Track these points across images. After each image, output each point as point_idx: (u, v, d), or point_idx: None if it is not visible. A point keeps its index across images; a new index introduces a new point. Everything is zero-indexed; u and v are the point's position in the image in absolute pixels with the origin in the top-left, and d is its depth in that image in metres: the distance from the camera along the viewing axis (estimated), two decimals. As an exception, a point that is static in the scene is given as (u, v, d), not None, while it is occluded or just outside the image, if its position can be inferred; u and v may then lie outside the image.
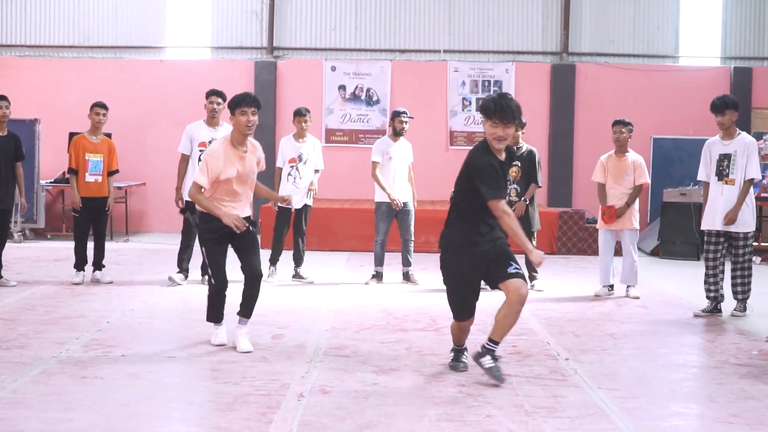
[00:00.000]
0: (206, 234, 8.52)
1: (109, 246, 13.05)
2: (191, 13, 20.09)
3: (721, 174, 10.77)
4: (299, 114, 12.87)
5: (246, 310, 8.62)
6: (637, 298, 11.85)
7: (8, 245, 12.74)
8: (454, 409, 6.63)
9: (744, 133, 10.82)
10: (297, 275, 12.94)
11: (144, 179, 19.12)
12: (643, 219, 12.10)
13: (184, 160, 12.35)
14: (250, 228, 8.48)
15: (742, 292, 10.80)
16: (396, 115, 12.92)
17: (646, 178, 12.10)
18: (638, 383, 7.52)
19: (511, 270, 7.44)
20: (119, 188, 17.74)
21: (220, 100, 12.17)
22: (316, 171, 13.10)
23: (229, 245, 8.58)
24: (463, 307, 7.82)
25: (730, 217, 10.55)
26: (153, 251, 15.92)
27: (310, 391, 7.05)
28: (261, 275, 8.57)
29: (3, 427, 6.04)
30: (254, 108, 8.36)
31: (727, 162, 10.72)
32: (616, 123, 12.09)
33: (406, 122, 12.80)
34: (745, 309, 10.79)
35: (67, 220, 18.32)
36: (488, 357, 7.47)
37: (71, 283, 12.18)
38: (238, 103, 8.33)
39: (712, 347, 9.05)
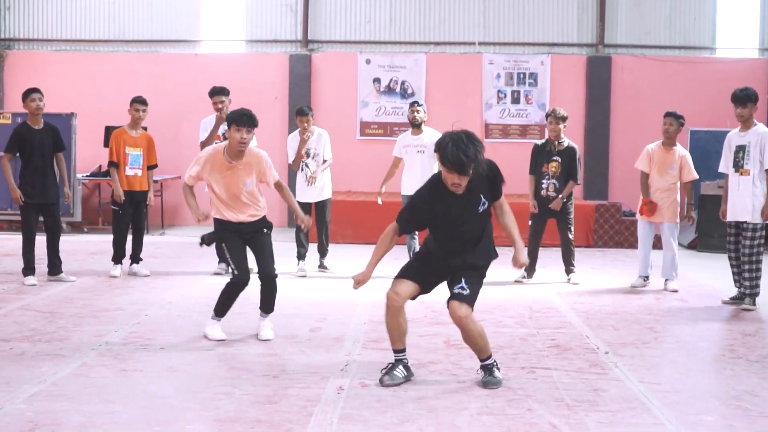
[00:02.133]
0: (222, 232, 8.68)
1: (145, 239, 13.08)
2: (226, 7, 20.10)
3: (738, 165, 10.76)
4: (301, 113, 12.93)
5: (266, 306, 8.81)
6: (676, 291, 11.76)
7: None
8: (494, 403, 6.60)
9: (760, 124, 10.80)
10: (321, 266, 13.09)
11: (179, 172, 19.15)
12: (680, 212, 11.98)
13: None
14: (264, 230, 8.73)
15: (751, 287, 10.66)
16: (409, 105, 12.97)
17: (694, 174, 11.93)
18: (680, 377, 7.46)
19: (455, 290, 7.17)
20: (155, 182, 17.81)
21: (223, 98, 12.58)
22: (325, 161, 13.12)
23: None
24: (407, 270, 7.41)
25: (766, 213, 10.50)
26: (189, 244, 15.96)
27: (350, 384, 7.04)
28: (273, 276, 8.69)
29: (44, 419, 6.06)
30: (249, 127, 8.45)
31: (743, 153, 10.70)
32: (668, 115, 11.94)
33: (418, 111, 12.74)
34: (754, 304, 10.63)
35: (103, 214, 18.41)
36: (484, 372, 7.17)
37: (109, 276, 12.23)
38: (235, 121, 8.46)
39: (753, 341, 8.95)
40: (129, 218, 12.50)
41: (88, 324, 9.17)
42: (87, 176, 18.37)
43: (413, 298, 7.34)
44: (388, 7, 19.77)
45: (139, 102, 12.41)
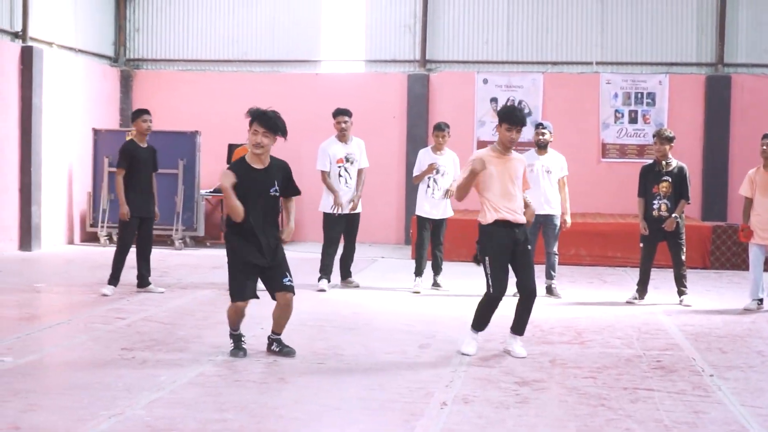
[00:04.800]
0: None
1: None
2: (346, 28, 20.51)
3: None
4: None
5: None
6: (786, 314, 11.66)
7: (169, 252, 13.29)
8: (594, 422, 6.71)
9: None
10: (435, 284, 13.26)
11: (300, 189, 19.57)
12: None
13: (326, 176, 13.06)
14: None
15: None
16: (534, 127, 13.12)
17: None
18: (784, 402, 7.45)
19: (285, 282, 8.50)
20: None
21: (347, 119, 12.94)
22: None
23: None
24: (240, 288, 8.51)
25: None
26: (307, 260, 16.28)
27: (453, 399, 7.23)
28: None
29: (162, 425, 6.40)
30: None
31: None
32: (765, 136, 11.89)
33: (543, 134, 12.81)
34: None
35: (225, 228, 18.91)
36: (274, 344, 8.75)
37: (227, 289, 12.60)
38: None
39: None
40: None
41: (206, 336, 9.55)
42: (210, 192, 18.94)
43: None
44: (505, 27, 19.92)
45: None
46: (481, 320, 9.01)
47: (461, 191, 9.06)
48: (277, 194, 8.57)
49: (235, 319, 8.68)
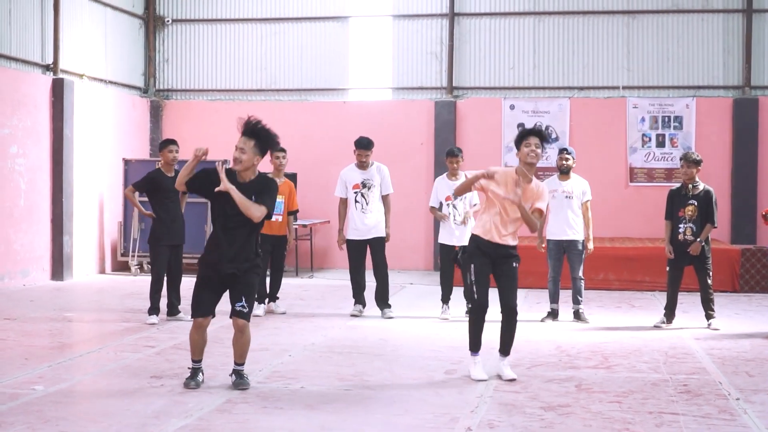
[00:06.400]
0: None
1: (293, 282, 13.64)
2: (373, 56, 20.67)
3: None
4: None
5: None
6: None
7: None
8: (618, 446, 6.73)
9: None
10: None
11: (328, 217, 19.71)
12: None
13: (343, 203, 13.20)
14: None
15: None
16: (558, 152, 13.18)
17: None
18: (810, 425, 7.44)
19: (237, 307, 8.31)
20: (304, 226, 18.42)
21: (367, 152, 13.00)
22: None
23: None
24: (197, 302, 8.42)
25: None
26: (335, 287, 16.41)
27: (479, 424, 7.26)
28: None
29: (189, 452, 6.49)
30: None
31: None
32: None
33: (567, 159, 12.86)
34: None
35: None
36: (234, 377, 8.50)
37: (252, 315, 12.70)
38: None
39: None
40: (268, 260, 12.94)
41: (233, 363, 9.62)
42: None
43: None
44: (531, 53, 20.01)
45: (279, 150, 12.88)
46: (473, 340, 9.10)
47: (461, 190, 9.34)
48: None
49: (195, 340, 8.50)
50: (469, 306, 9.79)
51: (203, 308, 8.38)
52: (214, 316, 8.49)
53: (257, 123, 8.21)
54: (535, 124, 19.43)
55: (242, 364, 8.53)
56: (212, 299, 8.40)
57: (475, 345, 9.09)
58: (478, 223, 9.10)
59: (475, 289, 8.97)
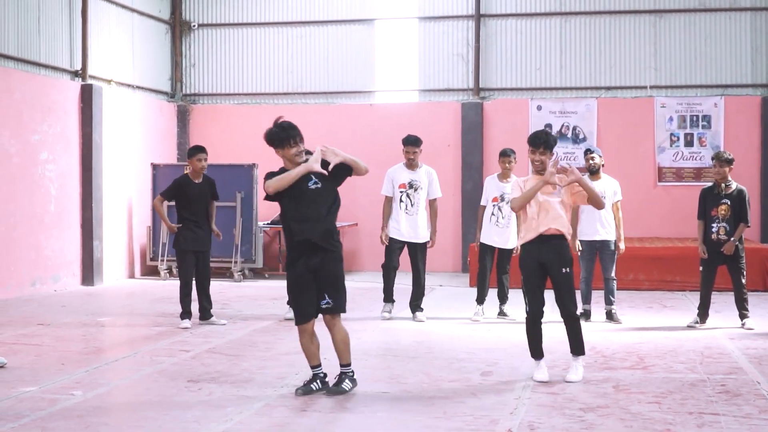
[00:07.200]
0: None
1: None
2: (399, 58, 20.68)
3: None
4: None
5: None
6: None
7: (229, 285, 13.45)
8: (660, 447, 6.70)
9: None
10: (501, 313, 13.08)
11: (356, 219, 19.74)
12: None
13: (388, 201, 13.00)
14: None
15: None
16: (584, 154, 13.09)
17: None
18: None
19: (323, 305, 8.32)
20: (332, 229, 18.39)
21: (415, 149, 12.84)
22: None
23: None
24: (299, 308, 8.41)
25: None
26: (365, 290, 16.41)
27: (519, 426, 7.24)
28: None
29: (231, 456, 6.50)
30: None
31: None
32: None
33: (593, 158, 12.63)
34: None
35: (283, 260, 19.08)
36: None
37: (284, 319, 12.74)
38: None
39: None
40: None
41: (270, 366, 9.64)
42: (268, 224, 19.11)
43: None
44: (558, 53, 19.96)
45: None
46: (531, 347, 9.05)
47: (522, 201, 8.86)
48: None
49: (305, 346, 8.47)
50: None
51: (303, 313, 8.37)
52: (316, 316, 8.41)
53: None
54: (563, 125, 19.41)
55: (347, 365, 8.46)
56: (310, 300, 8.34)
57: (534, 352, 9.06)
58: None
59: (526, 300, 8.93)
